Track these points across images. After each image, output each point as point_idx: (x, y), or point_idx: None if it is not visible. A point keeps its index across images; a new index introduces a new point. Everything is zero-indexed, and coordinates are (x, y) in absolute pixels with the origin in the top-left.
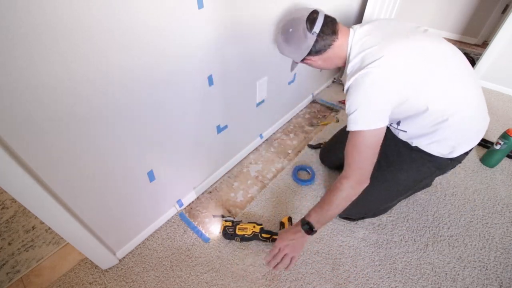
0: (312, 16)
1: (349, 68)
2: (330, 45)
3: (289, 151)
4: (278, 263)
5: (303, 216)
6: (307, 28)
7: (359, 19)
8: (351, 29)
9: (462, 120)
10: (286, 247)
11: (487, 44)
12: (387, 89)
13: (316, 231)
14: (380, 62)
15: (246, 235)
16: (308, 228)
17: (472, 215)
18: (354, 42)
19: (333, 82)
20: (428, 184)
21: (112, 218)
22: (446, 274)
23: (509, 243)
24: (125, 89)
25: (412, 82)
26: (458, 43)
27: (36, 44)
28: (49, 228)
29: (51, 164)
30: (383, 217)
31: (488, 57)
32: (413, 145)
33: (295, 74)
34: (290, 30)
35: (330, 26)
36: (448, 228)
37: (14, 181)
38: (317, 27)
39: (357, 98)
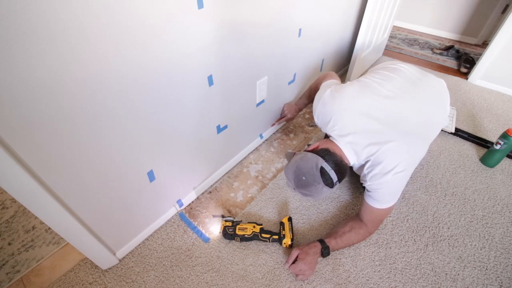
0: (326, 178)
1: (362, 168)
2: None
3: (289, 151)
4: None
5: (319, 238)
6: (326, 185)
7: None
8: (342, 141)
9: None
10: (308, 271)
11: (487, 44)
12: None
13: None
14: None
15: (246, 235)
16: (327, 254)
17: (472, 215)
18: (357, 153)
19: None
20: None
21: (112, 218)
22: (446, 274)
23: (509, 243)
24: (124, 89)
25: None
26: (458, 43)
27: (34, 44)
28: (49, 228)
29: (51, 164)
30: None
31: (488, 57)
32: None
33: (295, 74)
34: (304, 178)
35: (342, 168)
36: (448, 228)
37: (14, 181)
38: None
39: (394, 194)
